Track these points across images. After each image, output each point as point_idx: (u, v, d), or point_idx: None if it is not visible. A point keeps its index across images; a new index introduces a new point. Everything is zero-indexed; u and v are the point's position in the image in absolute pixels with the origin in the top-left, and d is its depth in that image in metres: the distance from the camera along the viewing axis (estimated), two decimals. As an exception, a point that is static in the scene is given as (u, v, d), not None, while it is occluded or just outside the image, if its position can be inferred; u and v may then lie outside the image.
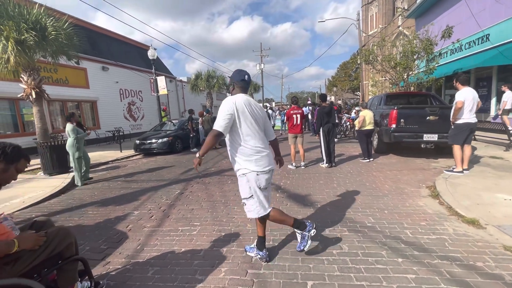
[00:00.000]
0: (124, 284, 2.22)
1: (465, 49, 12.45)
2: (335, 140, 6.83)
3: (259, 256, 2.46)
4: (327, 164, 6.14)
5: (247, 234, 2.97)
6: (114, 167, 7.95)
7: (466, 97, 4.67)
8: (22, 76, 7.19)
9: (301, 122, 6.12)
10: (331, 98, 57.70)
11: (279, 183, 4.99)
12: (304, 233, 2.39)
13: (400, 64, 11.11)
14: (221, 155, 8.84)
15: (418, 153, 7.23)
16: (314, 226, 2.41)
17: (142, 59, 18.66)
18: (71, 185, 5.83)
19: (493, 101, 10.77)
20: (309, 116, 14.68)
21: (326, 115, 6.12)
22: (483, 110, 10.65)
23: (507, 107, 8.14)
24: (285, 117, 6.31)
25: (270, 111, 12.77)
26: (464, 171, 4.72)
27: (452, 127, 4.97)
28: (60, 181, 5.95)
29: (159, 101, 13.94)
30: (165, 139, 9.80)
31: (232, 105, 2.12)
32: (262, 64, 34.42)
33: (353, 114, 14.03)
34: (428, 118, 6.39)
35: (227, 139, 2.25)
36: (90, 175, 6.52)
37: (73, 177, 6.25)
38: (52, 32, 6.76)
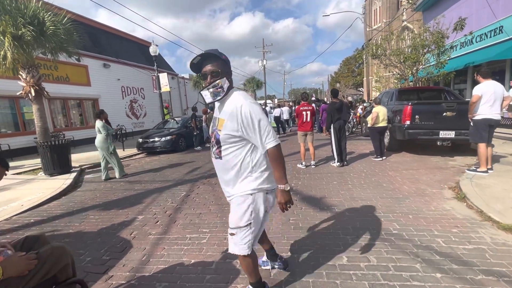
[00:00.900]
0: (128, 304, 1.98)
1: (477, 42, 12.03)
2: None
3: (276, 267, 2.24)
4: (338, 163, 5.86)
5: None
6: (117, 166, 7.72)
7: (485, 91, 4.34)
8: (21, 73, 6.96)
9: (311, 119, 5.84)
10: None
11: (290, 184, 4.72)
12: (273, 264, 2.26)
13: (410, 58, 10.72)
14: (226, 154, 8.59)
15: (432, 151, 6.92)
16: (284, 267, 2.25)
17: (144, 56, 18.37)
18: (72, 187, 5.62)
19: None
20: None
21: (337, 111, 5.83)
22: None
23: None
24: (295, 114, 6.03)
25: (267, 109, 12.47)
26: (488, 171, 4.42)
27: (471, 124, 4.66)
28: (61, 182, 5.73)
29: (161, 98, 13.69)
30: (168, 137, 9.56)
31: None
32: (264, 61, 33.98)
33: (359, 110, 13.69)
34: (444, 114, 6.08)
35: (229, 151, 1.62)
36: (94, 175, 6.32)
37: (74, 178, 6.06)
38: (51, 27, 6.50)
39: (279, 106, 16.81)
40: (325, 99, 32.03)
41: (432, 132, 6.17)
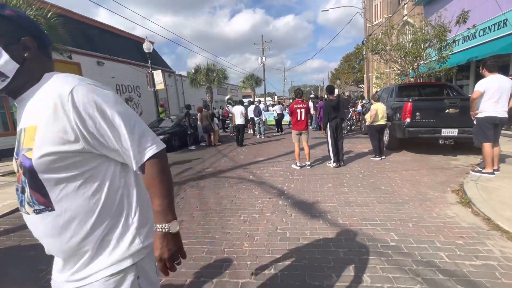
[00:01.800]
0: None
1: (479, 36, 11.66)
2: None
3: None
4: (335, 164, 5.56)
5: (243, 258, 2.42)
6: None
7: (488, 87, 3.97)
8: (3, 71, 6.66)
9: (306, 118, 5.54)
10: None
11: (282, 187, 4.44)
12: None
13: (411, 53, 10.36)
14: (220, 153, 8.30)
15: (433, 150, 6.61)
16: None
17: (140, 53, 17.98)
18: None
19: (511, 91, 10.04)
20: (311, 111, 14.03)
21: (334, 109, 5.52)
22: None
23: None
24: (289, 112, 5.74)
25: (262, 106, 12.17)
26: (495, 172, 4.11)
27: (474, 122, 4.31)
28: (43, 185, 5.45)
29: (156, 96, 13.37)
30: (160, 137, 9.23)
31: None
32: (264, 57, 33.57)
33: (359, 107, 13.35)
34: (447, 111, 5.76)
35: (70, 190, 0.83)
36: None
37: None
38: (32, 22, 6.18)
39: (279, 103, 16.53)
40: (325, 95, 31.77)
41: (434, 130, 5.86)
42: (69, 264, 0.88)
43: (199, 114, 10.41)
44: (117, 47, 16.72)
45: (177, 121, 10.58)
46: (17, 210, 4.20)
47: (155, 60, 19.37)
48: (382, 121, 5.90)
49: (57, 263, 0.94)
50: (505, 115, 4.07)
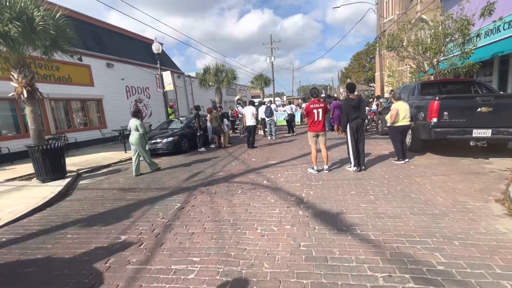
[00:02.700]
0: None
1: (504, 29, 10.93)
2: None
3: None
4: (355, 168, 5.16)
5: (264, 283, 2.09)
6: (115, 170, 7.28)
7: None
8: (12, 73, 6.58)
9: (323, 118, 5.15)
10: (344, 90, 55.73)
11: (301, 194, 4.08)
12: None
13: (431, 49, 9.78)
14: (230, 156, 8.00)
15: (461, 152, 6.11)
16: None
17: (149, 54, 17.98)
18: (62, 195, 5.16)
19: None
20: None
21: (354, 109, 5.11)
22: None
23: None
24: (304, 112, 5.38)
25: (273, 106, 11.83)
26: (544, 179, 3.63)
27: None
28: (50, 190, 5.28)
29: (165, 97, 13.23)
30: (170, 139, 9.06)
31: None
32: (272, 57, 33.20)
33: (374, 106, 12.82)
34: (479, 109, 5.25)
35: None
36: (90, 181, 5.92)
37: (66, 184, 5.64)
38: (40, 23, 6.06)
39: (289, 102, 16.12)
40: (335, 95, 31.03)
41: (464, 131, 5.37)
42: None
43: (208, 115, 10.16)
44: (127, 49, 16.73)
45: (186, 123, 10.36)
46: (21, 218, 4.01)
47: (164, 61, 19.32)
48: (405, 122, 5.44)
49: None
50: None
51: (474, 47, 9.71)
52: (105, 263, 2.56)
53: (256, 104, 12.02)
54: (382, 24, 29.47)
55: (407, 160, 5.62)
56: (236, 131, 15.45)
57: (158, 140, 9.02)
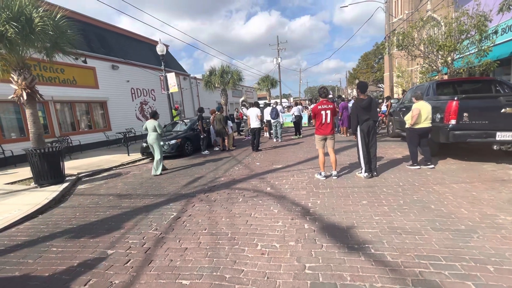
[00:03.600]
0: None
1: (523, 26, 10.33)
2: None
3: None
4: (366, 174, 4.77)
5: (262, 317, 1.76)
6: (116, 174, 7.08)
7: None
8: (12, 75, 6.46)
9: (331, 120, 4.80)
10: (352, 91, 54.79)
11: (307, 204, 3.73)
12: None
13: (446, 46, 9.27)
14: (234, 159, 7.71)
15: (481, 156, 5.65)
16: None
17: (154, 56, 17.94)
18: (57, 201, 4.96)
19: None
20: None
21: (365, 110, 4.73)
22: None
23: None
24: (312, 114, 5.03)
25: (279, 107, 11.48)
26: None
27: None
28: (45, 195, 5.09)
29: (170, 99, 13.07)
30: (173, 142, 8.84)
31: None
32: (279, 58, 32.90)
33: (383, 108, 12.32)
34: (503, 110, 4.80)
35: None
36: (89, 185, 5.73)
37: (62, 190, 5.44)
38: (39, 24, 5.92)
39: (296, 104, 15.73)
40: (343, 96, 30.47)
41: (486, 134, 4.92)
42: None
43: (212, 116, 9.91)
44: (132, 51, 16.72)
45: (190, 125, 10.15)
46: (10, 227, 3.80)
47: (169, 63, 19.26)
48: (426, 124, 5.01)
49: None
50: None
51: (492, 45, 9.16)
52: (85, 285, 2.28)
53: (261, 106, 11.71)
54: (391, 24, 28.82)
55: (432, 166, 5.14)
56: (241, 133, 15.17)
57: (161, 143, 8.80)
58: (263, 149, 9.00)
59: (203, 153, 9.23)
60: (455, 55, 9.83)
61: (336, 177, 4.86)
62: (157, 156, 6.63)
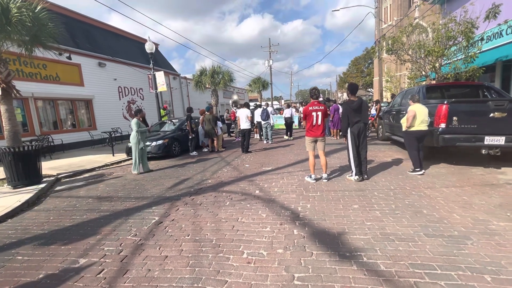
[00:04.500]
0: None
1: (507, 34, 10.63)
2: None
3: None
4: (356, 177, 4.68)
5: (245, 337, 1.58)
6: (98, 175, 6.74)
7: None
8: (-14, 69, 6.06)
9: (322, 122, 4.68)
10: (342, 95, 55.54)
11: (296, 208, 3.58)
12: None
13: (434, 52, 9.41)
14: (223, 161, 7.50)
15: (470, 160, 5.68)
16: None
17: (143, 54, 17.49)
18: (31, 204, 4.62)
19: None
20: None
21: (355, 112, 4.65)
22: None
23: None
24: (302, 116, 4.90)
25: (270, 109, 11.36)
26: None
27: None
28: (17, 198, 4.73)
29: (158, 98, 12.73)
30: (160, 142, 8.54)
31: None
32: (271, 60, 32.96)
33: (373, 111, 12.41)
34: (491, 115, 4.83)
35: None
36: (68, 186, 5.39)
37: (38, 192, 5.09)
38: (15, 14, 5.57)
39: (288, 106, 15.67)
40: (334, 99, 30.77)
41: (475, 138, 4.93)
42: None
43: (201, 117, 9.67)
44: (120, 48, 16.26)
45: (178, 125, 9.87)
46: (-27, 232, 3.46)
47: (159, 62, 18.87)
48: (422, 126, 4.94)
49: None
50: None
51: (479, 51, 9.36)
52: (49, 299, 2.04)
53: (251, 107, 11.54)
54: (380, 30, 29.39)
55: (423, 171, 5.07)
56: (231, 134, 14.96)
57: (147, 143, 8.48)
58: (253, 151, 8.83)
59: (191, 154, 8.97)
60: (443, 60, 10.00)
61: (326, 180, 4.74)
62: (133, 155, 6.52)
